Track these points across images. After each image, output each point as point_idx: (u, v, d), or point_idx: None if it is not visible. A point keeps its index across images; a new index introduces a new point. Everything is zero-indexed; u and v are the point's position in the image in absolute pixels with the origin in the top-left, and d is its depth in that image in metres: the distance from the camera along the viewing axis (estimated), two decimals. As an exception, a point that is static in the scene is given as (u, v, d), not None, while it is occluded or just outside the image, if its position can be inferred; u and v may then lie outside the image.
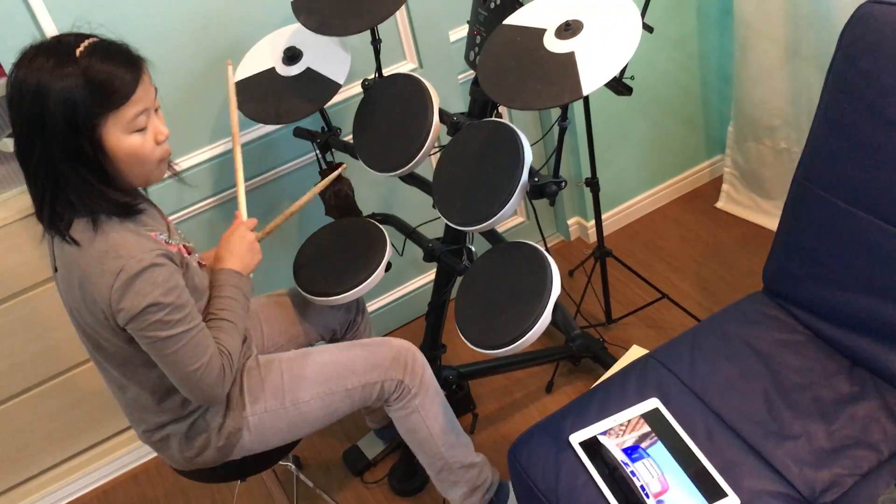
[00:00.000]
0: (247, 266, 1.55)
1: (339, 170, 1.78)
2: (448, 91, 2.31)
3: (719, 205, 2.85)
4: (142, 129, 1.29)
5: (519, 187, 1.42)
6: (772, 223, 2.67)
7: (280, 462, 1.73)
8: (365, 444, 2.27)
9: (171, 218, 1.82)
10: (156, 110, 1.34)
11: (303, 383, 1.62)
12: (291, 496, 2.20)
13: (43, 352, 2.17)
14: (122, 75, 1.25)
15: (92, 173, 1.28)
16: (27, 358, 2.16)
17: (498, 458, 2.16)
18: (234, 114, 1.73)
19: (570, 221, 2.85)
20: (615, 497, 1.43)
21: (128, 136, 1.28)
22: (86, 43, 1.25)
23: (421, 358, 1.74)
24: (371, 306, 2.58)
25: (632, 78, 1.78)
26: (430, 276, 2.65)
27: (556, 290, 1.40)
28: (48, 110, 1.21)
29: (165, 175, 1.42)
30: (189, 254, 1.46)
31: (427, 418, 1.74)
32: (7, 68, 1.73)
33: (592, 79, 1.26)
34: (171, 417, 1.51)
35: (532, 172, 1.44)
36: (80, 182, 1.27)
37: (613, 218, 2.84)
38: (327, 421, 1.66)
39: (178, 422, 1.52)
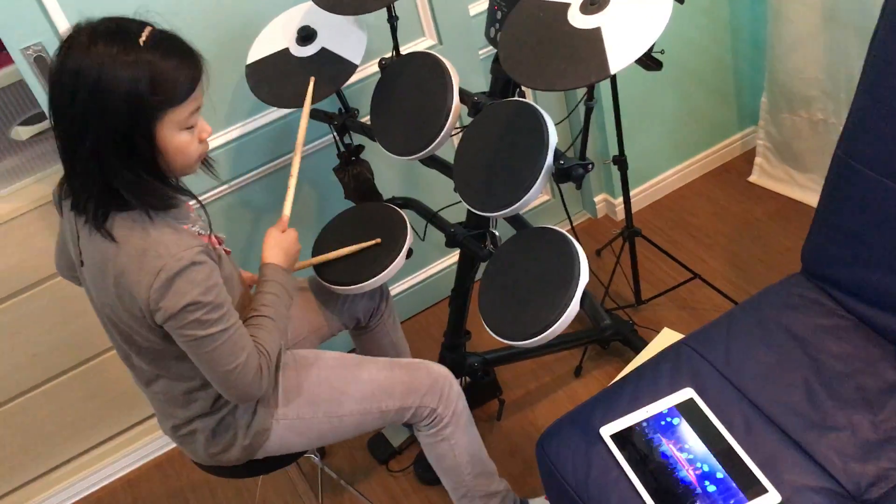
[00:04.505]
0: (291, 267, 1.54)
1: (374, 242, 1.75)
2: (468, 68, 2.23)
3: (752, 179, 2.75)
4: (191, 127, 1.25)
5: (543, 171, 1.35)
6: (808, 197, 2.58)
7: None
8: (390, 432, 2.23)
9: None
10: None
11: (341, 398, 1.59)
12: (315, 487, 2.17)
13: (64, 342, 2.16)
14: (186, 72, 1.20)
15: (143, 168, 1.23)
16: (48, 348, 2.14)
17: (526, 447, 2.12)
18: (304, 129, 1.69)
19: (596, 199, 2.77)
20: (649, 492, 1.37)
21: (179, 134, 1.24)
22: (147, 31, 1.18)
23: (457, 387, 1.71)
24: (394, 290, 2.53)
25: (662, 52, 1.69)
26: (453, 257, 2.60)
27: (584, 278, 1.34)
28: (109, 101, 1.15)
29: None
30: (219, 244, 1.43)
31: (455, 447, 1.71)
32: (14, 53, 1.70)
33: (620, 56, 1.18)
34: (200, 411, 1.48)
35: (557, 155, 1.37)
36: (131, 176, 1.22)
37: (642, 194, 2.75)
38: (355, 434, 1.64)
39: (206, 417, 1.49)
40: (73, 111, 1.17)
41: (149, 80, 1.15)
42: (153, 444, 2.41)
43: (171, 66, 1.18)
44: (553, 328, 1.32)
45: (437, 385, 1.67)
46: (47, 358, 2.15)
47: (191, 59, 1.22)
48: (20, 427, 2.21)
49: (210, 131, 1.31)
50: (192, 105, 1.23)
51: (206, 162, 1.40)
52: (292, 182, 1.64)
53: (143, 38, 1.17)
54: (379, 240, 1.74)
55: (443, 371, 1.70)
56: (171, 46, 1.20)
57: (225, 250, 1.47)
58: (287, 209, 1.62)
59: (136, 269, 1.23)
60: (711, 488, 1.35)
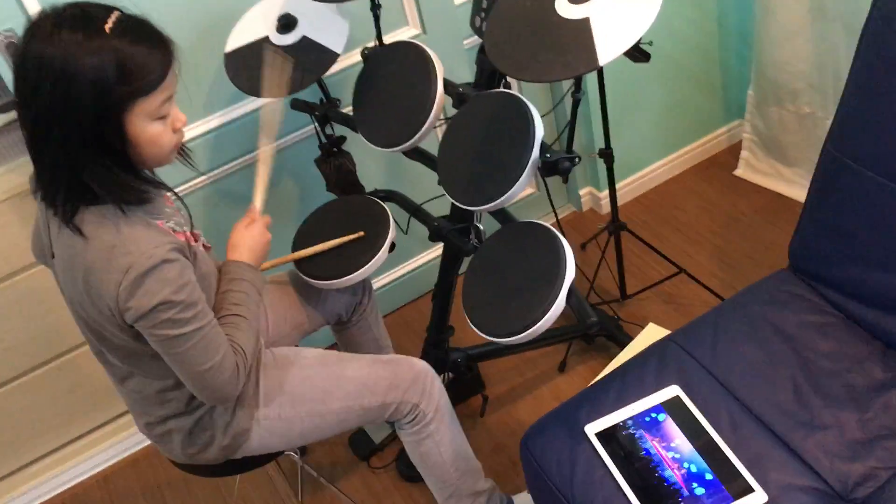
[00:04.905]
0: (258, 263, 1.48)
1: (357, 235, 1.71)
2: (453, 59, 2.19)
3: (738, 172, 2.74)
4: (164, 117, 1.20)
5: (529, 165, 1.32)
6: (794, 192, 2.56)
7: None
8: (371, 428, 2.20)
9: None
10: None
11: (322, 396, 1.56)
12: (295, 485, 2.14)
13: (39, 335, 2.11)
14: (156, 59, 1.14)
15: (112, 160, 1.18)
16: (22, 341, 2.09)
17: (510, 443, 2.09)
18: (276, 111, 1.64)
19: (581, 192, 2.75)
20: (634, 491, 1.35)
21: (150, 124, 1.18)
22: (114, 17, 1.12)
23: (439, 383, 1.68)
24: (376, 284, 2.50)
25: (650, 44, 1.66)
26: (437, 251, 2.56)
27: (570, 275, 1.31)
28: (74, 92, 1.09)
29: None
30: (196, 240, 1.37)
31: (440, 444, 1.68)
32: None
33: (609, 48, 1.15)
34: (175, 411, 1.43)
35: (543, 148, 1.34)
36: (100, 169, 1.17)
37: (627, 188, 2.73)
38: (337, 433, 1.61)
39: (182, 416, 1.44)
40: (37, 102, 1.12)
41: (115, 68, 1.10)
42: (129, 440, 2.37)
43: (139, 53, 1.12)
44: (538, 325, 1.30)
45: (419, 380, 1.64)
46: (21, 351, 2.10)
47: (161, 45, 1.16)
48: (-7, 423, 2.17)
49: (184, 120, 1.26)
50: (164, 94, 1.17)
51: (182, 152, 1.35)
52: (262, 169, 1.56)
53: (110, 24, 1.11)
54: (363, 233, 1.70)
55: (424, 366, 1.67)
56: (140, 32, 1.14)
57: (204, 245, 1.43)
58: (258, 199, 1.55)
59: (104, 266, 1.18)
60: (697, 488, 1.33)
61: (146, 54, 1.13)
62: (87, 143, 1.14)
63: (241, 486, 2.19)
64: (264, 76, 1.67)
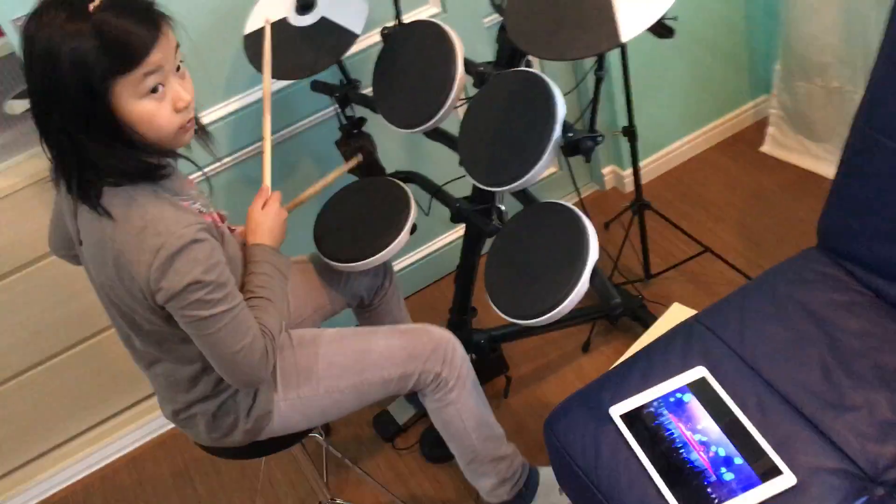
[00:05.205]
0: (278, 243, 1.47)
1: (358, 160, 1.68)
2: (473, 37, 2.17)
3: (764, 149, 2.69)
4: (157, 94, 1.16)
5: (551, 145, 1.31)
6: (822, 168, 2.52)
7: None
8: (395, 409, 2.20)
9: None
10: (179, 72, 1.20)
11: (340, 372, 1.55)
12: (320, 466, 2.15)
13: (65, 319, 2.13)
14: (138, 33, 1.11)
15: (112, 139, 1.16)
16: (49, 326, 2.12)
17: (534, 423, 2.09)
18: (268, 79, 1.60)
19: (604, 170, 2.72)
20: (660, 474, 1.34)
21: (140, 102, 1.15)
22: None
23: (461, 350, 1.66)
24: (398, 265, 2.49)
25: (675, 18, 1.62)
26: (459, 231, 2.55)
27: (593, 256, 1.29)
28: (60, 73, 1.08)
29: (191, 139, 1.30)
30: (222, 221, 1.37)
31: (462, 412, 1.67)
32: (5, 25, 1.65)
33: (632, 24, 1.12)
34: (200, 396, 1.44)
35: (566, 127, 1.32)
36: (102, 147, 1.16)
37: (651, 165, 2.70)
38: (359, 407, 1.60)
39: (207, 400, 1.45)
40: (33, 85, 1.12)
41: (95, 45, 1.08)
42: (156, 421, 2.39)
43: (121, 28, 1.09)
44: (561, 307, 1.29)
45: (440, 348, 1.62)
46: (48, 336, 2.13)
47: (146, 20, 1.12)
48: (22, 405, 2.19)
49: (187, 99, 1.20)
50: (149, 68, 1.13)
51: (204, 137, 1.34)
52: (266, 146, 1.53)
53: (95, 2, 1.09)
54: (360, 157, 1.67)
55: (445, 334, 1.65)
56: (125, 8, 1.11)
57: (230, 228, 1.43)
58: (266, 178, 1.53)
59: (134, 247, 1.18)
60: (723, 471, 1.32)
61: (128, 30, 1.10)
62: (83, 124, 1.13)
63: (267, 467, 2.21)
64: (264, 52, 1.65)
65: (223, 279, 1.24)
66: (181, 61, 1.21)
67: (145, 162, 1.21)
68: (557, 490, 1.81)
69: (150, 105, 1.16)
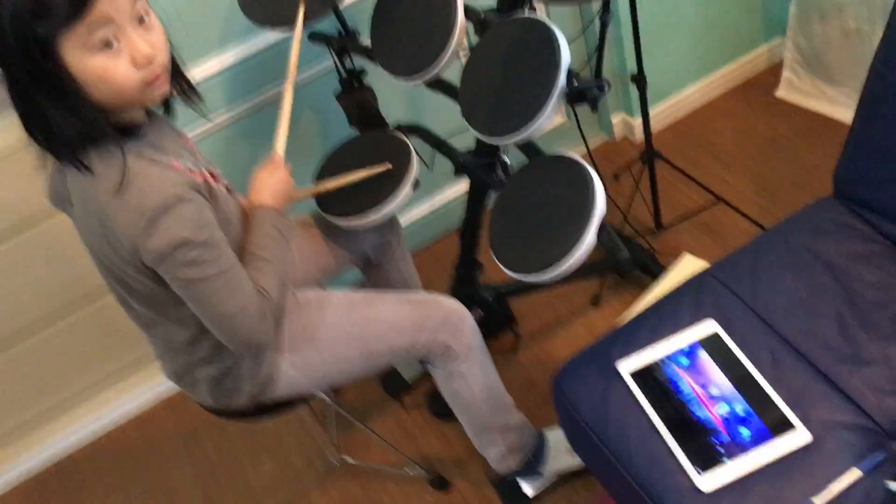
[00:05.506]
0: (281, 206, 1.43)
1: (385, 167, 1.62)
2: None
3: (779, 94, 2.61)
4: (112, 49, 1.08)
5: (556, 94, 1.25)
6: (839, 113, 2.44)
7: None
8: (402, 366, 2.18)
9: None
10: (141, 22, 1.11)
11: (347, 339, 1.52)
12: (328, 426, 2.14)
13: (71, 279, 2.10)
14: None
15: (73, 99, 1.09)
16: (54, 287, 2.09)
17: (543, 379, 2.07)
18: (296, 53, 1.54)
19: (614, 119, 2.65)
20: (670, 430, 1.31)
21: (92, 57, 1.07)
22: None
23: (471, 321, 1.63)
24: (404, 221, 2.45)
25: (684, -43, 1.56)
26: (464, 186, 2.49)
27: (600, 210, 1.24)
28: (3, 33, 1.03)
29: (172, 95, 1.25)
30: (216, 180, 1.32)
31: (471, 383, 1.65)
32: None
33: (640, -39, 1.06)
34: (201, 360, 1.41)
35: (571, 75, 1.26)
36: (63, 109, 1.09)
37: (662, 113, 2.62)
38: (366, 374, 1.58)
39: (208, 364, 1.42)
40: None
41: (32, 1, 1.01)
42: (165, 384, 2.38)
43: None
44: (567, 264, 1.24)
45: (450, 320, 1.60)
46: (53, 297, 2.11)
47: None
48: (27, 367, 2.19)
49: (145, 52, 1.10)
50: (94, 20, 1.05)
51: (188, 94, 1.29)
52: (284, 115, 1.50)
53: None
54: (390, 165, 1.64)
55: (455, 305, 1.62)
56: None
57: (226, 187, 1.38)
58: (280, 147, 1.48)
59: (118, 207, 1.13)
60: (735, 426, 1.28)
61: None
62: (39, 84, 1.07)
63: (276, 427, 2.20)
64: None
65: (214, 239, 1.20)
66: (146, 12, 1.12)
67: (113, 122, 1.15)
68: (569, 450, 1.79)
69: (102, 60, 1.08)
